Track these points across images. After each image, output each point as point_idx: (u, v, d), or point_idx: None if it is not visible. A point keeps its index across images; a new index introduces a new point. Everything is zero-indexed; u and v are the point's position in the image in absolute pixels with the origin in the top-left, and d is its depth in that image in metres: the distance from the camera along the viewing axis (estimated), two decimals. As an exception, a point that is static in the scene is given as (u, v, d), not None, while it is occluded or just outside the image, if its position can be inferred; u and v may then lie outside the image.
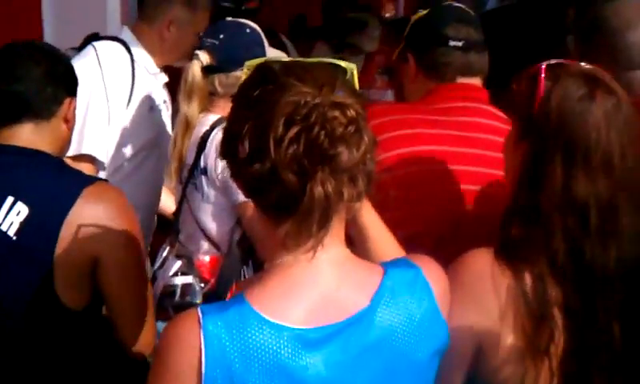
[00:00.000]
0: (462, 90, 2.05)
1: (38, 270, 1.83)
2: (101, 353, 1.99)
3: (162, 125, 2.90)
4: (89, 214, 1.84)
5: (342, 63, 1.35)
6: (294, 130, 1.18)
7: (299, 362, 1.20)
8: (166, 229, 2.90)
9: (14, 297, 1.85)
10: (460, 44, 2.05)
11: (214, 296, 2.41)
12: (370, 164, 1.26)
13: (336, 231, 1.27)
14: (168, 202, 3.02)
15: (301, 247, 1.24)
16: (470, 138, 1.96)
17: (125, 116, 2.76)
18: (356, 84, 1.35)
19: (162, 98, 2.91)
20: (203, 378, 1.17)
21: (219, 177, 2.48)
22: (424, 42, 2.09)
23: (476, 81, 2.08)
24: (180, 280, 2.56)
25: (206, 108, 2.61)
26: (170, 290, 2.54)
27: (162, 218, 3.07)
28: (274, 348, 1.19)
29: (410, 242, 1.72)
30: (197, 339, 1.18)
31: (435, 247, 1.83)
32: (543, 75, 1.50)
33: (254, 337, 1.19)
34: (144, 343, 1.97)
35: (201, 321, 1.19)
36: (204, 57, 2.59)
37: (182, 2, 2.84)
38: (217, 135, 2.49)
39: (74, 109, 2.03)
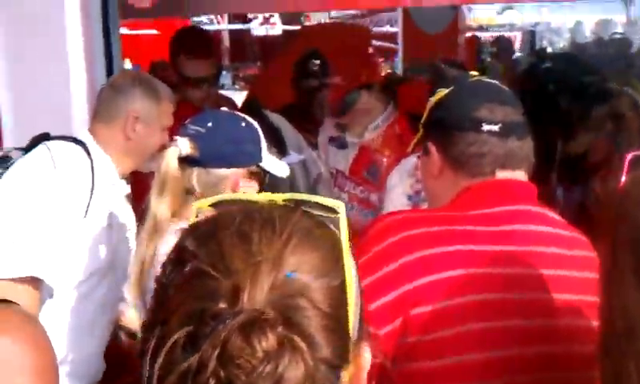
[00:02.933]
0: (505, 187, 1.56)
1: None
2: None
3: (120, 246, 2.40)
4: None
5: (328, 202, 0.86)
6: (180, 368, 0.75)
7: None
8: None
9: None
10: (496, 128, 1.57)
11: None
12: None
13: None
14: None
15: None
16: (529, 253, 1.47)
17: (81, 229, 2.27)
18: (344, 237, 0.84)
19: (123, 212, 2.43)
20: None
21: None
22: (449, 128, 1.61)
23: (520, 175, 1.60)
24: None
25: (178, 211, 2.12)
26: None
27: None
28: None
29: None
30: None
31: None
32: (626, 168, 1.16)
33: None
34: None
35: None
36: (184, 145, 2.13)
37: (143, 93, 2.41)
38: None
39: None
